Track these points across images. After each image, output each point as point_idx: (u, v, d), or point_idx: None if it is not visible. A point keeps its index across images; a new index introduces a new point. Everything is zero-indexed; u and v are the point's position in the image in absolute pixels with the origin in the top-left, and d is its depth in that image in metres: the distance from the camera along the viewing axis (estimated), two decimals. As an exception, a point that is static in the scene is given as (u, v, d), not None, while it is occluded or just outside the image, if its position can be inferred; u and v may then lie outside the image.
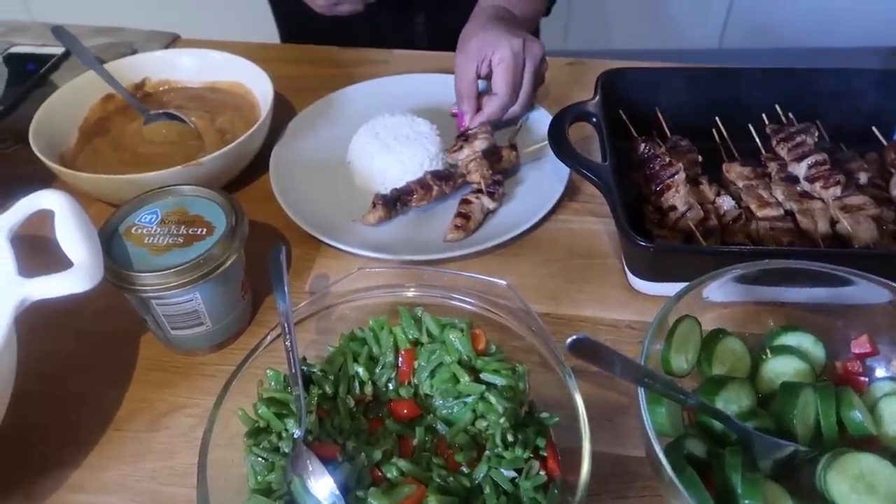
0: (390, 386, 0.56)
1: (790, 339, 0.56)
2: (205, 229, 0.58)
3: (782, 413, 0.51)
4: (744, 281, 0.55)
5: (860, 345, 0.54)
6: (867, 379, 0.53)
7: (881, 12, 2.38)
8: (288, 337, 0.53)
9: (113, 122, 0.83)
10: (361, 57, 1.01)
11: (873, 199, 0.67)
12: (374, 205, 0.72)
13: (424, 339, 0.56)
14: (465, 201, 0.72)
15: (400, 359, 0.56)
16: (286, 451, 0.49)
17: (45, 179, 0.77)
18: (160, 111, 0.82)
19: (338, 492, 0.45)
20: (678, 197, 0.68)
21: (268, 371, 0.53)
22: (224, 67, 0.86)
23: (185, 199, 0.61)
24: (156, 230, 0.58)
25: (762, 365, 0.55)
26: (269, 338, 0.54)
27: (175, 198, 0.61)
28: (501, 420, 0.50)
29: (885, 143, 0.75)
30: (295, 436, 0.49)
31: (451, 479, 0.48)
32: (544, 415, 0.53)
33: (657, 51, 2.62)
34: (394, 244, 0.70)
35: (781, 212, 0.68)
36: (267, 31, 1.24)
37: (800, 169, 0.70)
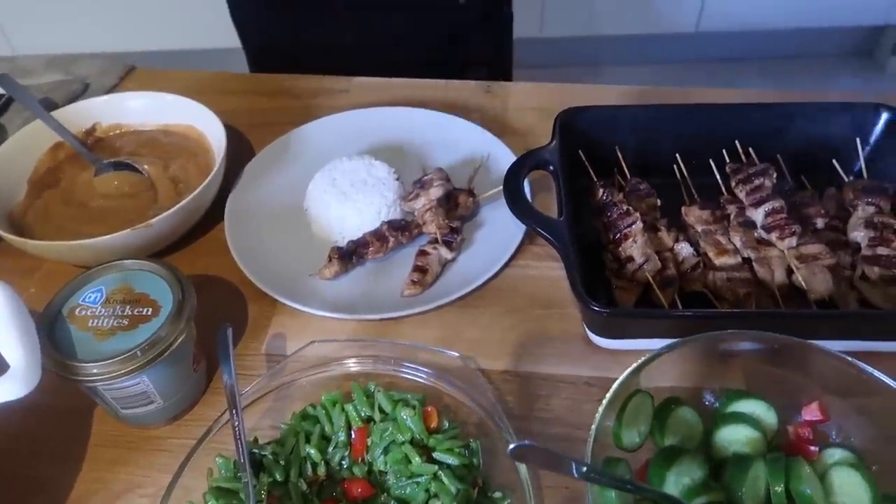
0: (344, 464, 0.55)
1: (742, 405, 0.56)
2: (150, 308, 0.57)
3: (733, 487, 0.51)
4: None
5: (811, 412, 0.54)
6: (816, 448, 0.54)
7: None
8: (236, 420, 0.52)
9: (63, 172, 0.81)
10: (321, 86, 0.99)
11: (830, 244, 0.67)
12: (331, 259, 0.71)
13: (377, 416, 0.56)
14: (422, 253, 0.71)
15: (353, 436, 0.56)
16: None
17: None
18: (111, 160, 0.80)
19: None
20: (635, 247, 0.67)
21: (217, 459, 0.53)
22: (176, 110, 0.84)
23: (129, 275, 0.60)
24: (100, 311, 0.57)
25: (715, 433, 0.55)
26: (223, 419, 0.53)
27: (119, 273, 0.60)
28: (454, 503, 0.51)
29: (844, 177, 0.75)
30: None
31: None
32: (497, 495, 0.53)
33: (634, 35, 2.60)
34: (351, 301, 0.70)
35: (739, 259, 0.68)
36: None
37: (757, 214, 0.69)
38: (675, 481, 0.51)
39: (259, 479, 0.52)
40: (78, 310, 0.57)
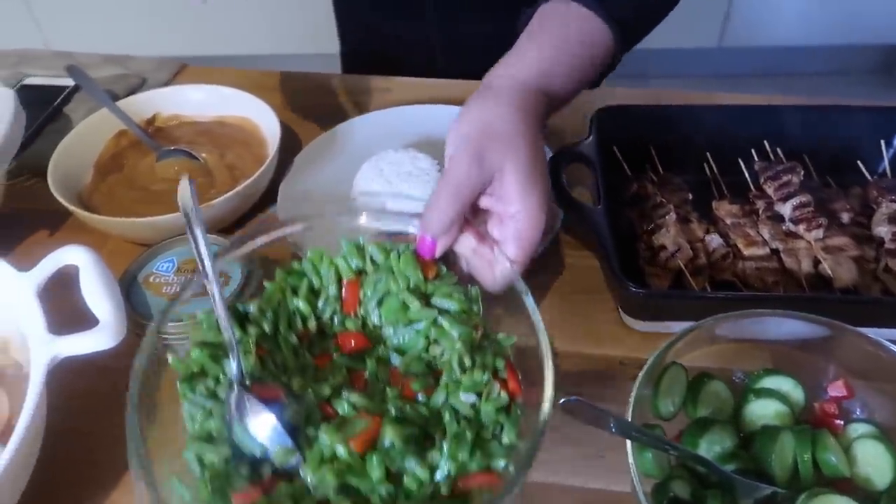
0: (335, 320, 0.53)
1: (771, 382, 0.59)
2: (221, 278, 0.61)
3: (762, 456, 0.54)
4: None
5: (836, 388, 0.58)
6: (842, 422, 0.57)
7: (882, 9, 2.40)
8: (207, 277, 0.48)
9: (126, 157, 0.86)
10: (363, 85, 1.04)
11: (855, 239, 0.70)
12: (378, 243, 0.75)
13: (369, 267, 0.54)
14: (465, 239, 0.75)
15: (343, 290, 0.53)
16: (222, 396, 0.47)
17: (62, 215, 0.80)
18: (172, 148, 0.85)
19: (283, 431, 0.44)
20: (668, 237, 0.71)
21: (198, 313, 0.51)
22: (232, 102, 0.89)
23: (199, 248, 0.64)
24: (173, 279, 0.62)
25: (744, 407, 0.58)
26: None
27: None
28: (457, 345, 0.49)
29: (869, 177, 0.78)
30: (231, 379, 0.47)
31: (408, 408, 0.46)
32: (501, 335, 0.52)
33: (653, 49, 2.64)
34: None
35: (767, 251, 0.71)
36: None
37: (785, 209, 0.73)
38: (707, 449, 0.54)
39: (245, 331, 0.50)
40: (152, 277, 0.62)
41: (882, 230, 0.71)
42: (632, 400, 0.53)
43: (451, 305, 0.51)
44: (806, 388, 0.58)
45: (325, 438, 0.44)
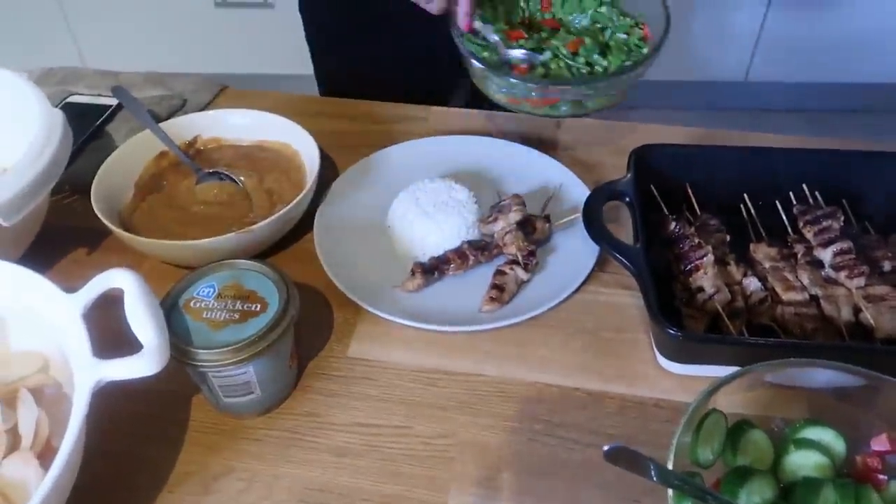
0: (538, 16, 0.90)
1: (812, 432, 0.58)
2: (259, 305, 0.62)
3: (803, 508, 0.53)
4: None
5: (880, 442, 0.57)
6: (886, 477, 0.56)
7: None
8: None
9: (166, 178, 0.88)
10: (400, 113, 1.05)
11: (897, 288, 0.70)
12: (413, 273, 0.76)
13: None
14: (499, 272, 0.76)
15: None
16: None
17: (101, 233, 0.81)
18: (212, 170, 0.86)
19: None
20: (706, 279, 0.71)
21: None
22: (272, 128, 0.90)
23: (240, 273, 0.65)
24: (213, 304, 0.62)
25: (784, 457, 0.57)
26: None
27: (231, 271, 0.65)
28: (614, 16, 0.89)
29: (909, 225, 0.78)
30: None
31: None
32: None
33: (681, 82, 2.65)
34: (431, 313, 0.74)
35: (806, 296, 0.71)
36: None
37: (825, 254, 0.72)
38: (747, 499, 0.54)
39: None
40: (193, 302, 0.62)
41: (924, 280, 0.70)
42: (673, 446, 0.52)
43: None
44: (847, 440, 0.58)
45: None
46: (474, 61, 0.80)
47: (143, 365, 0.52)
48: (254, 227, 0.74)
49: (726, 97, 2.70)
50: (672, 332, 0.62)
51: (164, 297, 0.62)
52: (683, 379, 0.68)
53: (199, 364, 0.58)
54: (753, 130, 0.96)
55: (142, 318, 0.54)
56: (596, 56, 0.84)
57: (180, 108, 1.02)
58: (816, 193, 0.80)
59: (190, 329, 0.60)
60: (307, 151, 0.86)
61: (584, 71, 0.83)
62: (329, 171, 0.93)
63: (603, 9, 0.89)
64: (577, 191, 0.87)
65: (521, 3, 0.91)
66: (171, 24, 2.57)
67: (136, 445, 0.65)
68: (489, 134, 0.97)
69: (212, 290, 0.63)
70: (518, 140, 0.95)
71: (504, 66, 0.83)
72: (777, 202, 0.80)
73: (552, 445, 0.64)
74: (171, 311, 0.62)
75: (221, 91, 1.09)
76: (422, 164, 0.91)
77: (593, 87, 0.81)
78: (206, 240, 0.72)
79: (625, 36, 0.86)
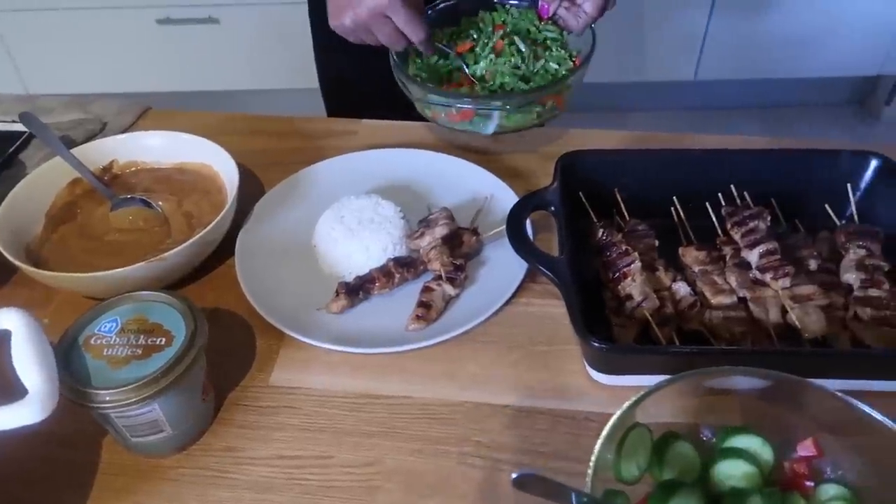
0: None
1: (739, 441, 0.57)
2: (164, 338, 0.59)
3: (730, 521, 0.52)
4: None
5: (805, 447, 0.56)
6: (812, 483, 0.55)
7: (855, 42, 2.43)
8: None
9: (80, 206, 0.84)
10: (329, 128, 1.03)
11: (823, 286, 0.69)
12: (338, 294, 0.73)
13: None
14: (426, 289, 0.73)
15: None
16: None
17: (9, 266, 0.77)
18: (128, 196, 0.83)
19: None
20: (634, 286, 0.69)
21: None
22: (191, 148, 0.87)
23: (144, 306, 0.62)
24: (115, 340, 0.59)
25: (712, 467, 0.56)
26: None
27: (135, 304, 0.62)
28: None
29: (837, 221, 0.77)
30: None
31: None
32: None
33: (633, 83, 2.67)
34: (356, 335, 0.71)
35: (735, 299, 0.70)
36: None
37: (752, 256, 0.71)
38: (674, 513, 0.52)
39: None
40: (93, 339, 0.59)
41: (850, 277, 0.70)
42: (591, 466, 0.50)
43: (552, 34, 0.93)
44: (775, 447, 0.56)
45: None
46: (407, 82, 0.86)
47: (25, 413, 0.48)
48: (166, 254, 0.71)
49: (677, 97, 2.73)
50: (597, 344, 0.60)
51: (62, 335, 0.59)
52: (615, 390, 0.67)
53: (98, 406, 0.55)
54: (705, 129, 0.95)
55: (27, 361, 0.51)
56: (518, 81, 0.89)
57: (99, 132, 0.98)
58: (745, 193, 0.79)
59: (89, 368, 0.57)
60: (227, 171, 0.83)
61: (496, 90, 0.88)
62: (255, 191, 0.90)
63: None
64: (509, 201, 0.84)
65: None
66: (112, 44, 2.50)
67: (44, 492, 0.61)
68: (421, 146, 0.95)
69: (114, 324, 0.60)
70: (451, 151, 0.94)
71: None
72: (707, 204, 0.79)
73: (482, 468, 0.62)
74: (69, 350, 0.58)
75: (144, 112, 1.05)
76: (350, 180, 0.89)
77: (507, 101, 0.85)
78: (115, 270, 0.69)
79: (556, 66, 0.90)
